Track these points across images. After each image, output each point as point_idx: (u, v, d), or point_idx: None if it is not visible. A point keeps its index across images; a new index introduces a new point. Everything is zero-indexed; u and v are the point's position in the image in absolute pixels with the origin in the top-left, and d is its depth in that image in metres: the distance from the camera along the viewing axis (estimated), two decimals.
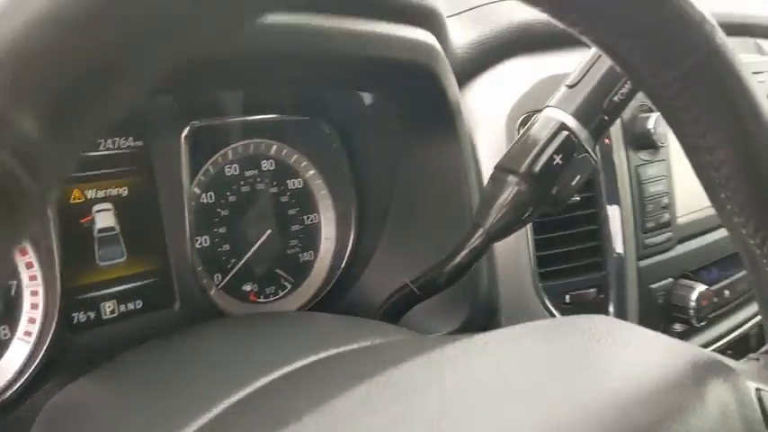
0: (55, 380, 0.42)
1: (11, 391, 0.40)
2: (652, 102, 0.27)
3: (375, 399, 0.23)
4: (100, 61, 0.13)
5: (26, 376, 0.40)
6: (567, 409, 0.22)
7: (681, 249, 0.58)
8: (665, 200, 0.56)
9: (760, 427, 0.26)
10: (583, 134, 0.39)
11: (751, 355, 0.31)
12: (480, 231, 0.40)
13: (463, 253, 0.41)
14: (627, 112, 0.53)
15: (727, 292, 0.63)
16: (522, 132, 0.41)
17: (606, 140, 0.52)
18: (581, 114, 0.39)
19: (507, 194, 0.39)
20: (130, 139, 0.46)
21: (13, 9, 0.12)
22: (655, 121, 0.53)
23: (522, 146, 0.40)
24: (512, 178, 0.39)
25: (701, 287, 0.57)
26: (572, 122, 0.39)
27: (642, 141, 0.54)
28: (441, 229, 0.48)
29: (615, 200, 0.54)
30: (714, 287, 0.60)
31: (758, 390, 0.27)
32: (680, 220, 0.58)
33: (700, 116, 0.26)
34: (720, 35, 0.25)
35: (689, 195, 0.59)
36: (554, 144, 0.38)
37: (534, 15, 0.51)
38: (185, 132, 0.46)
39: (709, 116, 0.26)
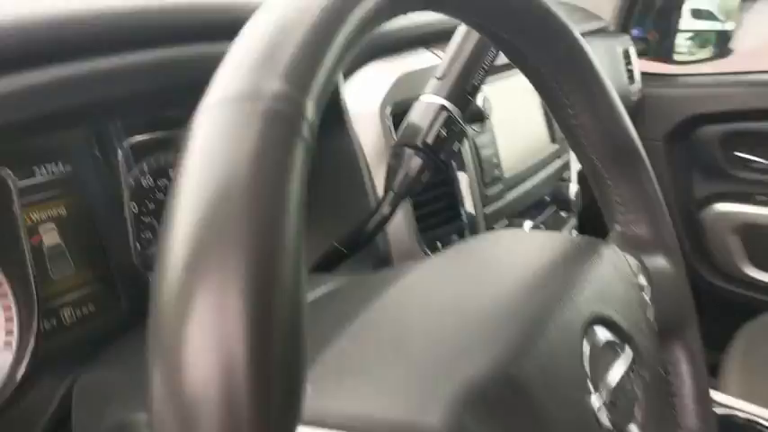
0: (40, 382, 0.46)
1: (3, 398, 0.44)
2: (528, 76, 0.41)
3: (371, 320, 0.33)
4: None
5: (17, 380, 0.44)
6: (487, 297, 0.33)
7: (510, 196, 0.75)
8: (495, 160, 0.72)
9: (634, 279, 0.41)
10: (456, 111, 0.52)
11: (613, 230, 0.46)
12: (391, 193, 0.51)
13: (383, 210, 0.52)
14: None
15: (542, 226, 0.81)
16: (409, 116, 0.53)
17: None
18: (453, 97, 0.51)
19: (409, 163, 0.51)
20: (60, 164, 0.50)
21: None
22: (483, 99, 0.68)
23: (413, 126, 0.51)
24: (410, 151, 0.51)
25: (528, 222, 0.74)
26: (448, 104, 0.51)
27: (474, 116, 0.68)
28: (349, 205, 0.58)
29: (462, 165, 0.68)
30: (535, 221, 0.78)
31: (625, 255, 0.42)
32: (506, 174, 0.74)
33: (564, 84, 0.40)
34: (573, 27, 0.39)
35: (510, 155, 0.75)
36: (439, 121, 0.51)
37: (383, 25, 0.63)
38: (119, 152, 0.52)
39: (571, 84, 0.40)
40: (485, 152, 0.70)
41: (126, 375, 0.41)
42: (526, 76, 0.41)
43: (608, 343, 0.33)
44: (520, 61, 0.40)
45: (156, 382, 0.17)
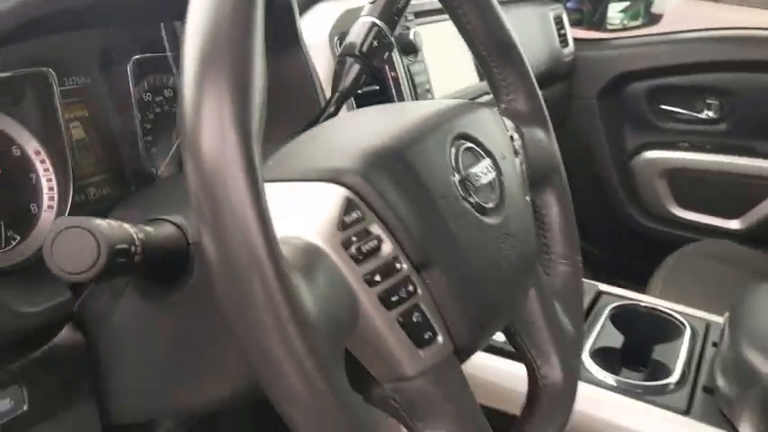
0: None
1: None
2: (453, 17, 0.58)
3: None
4: None
5: None
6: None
7: None
8: (427, 85, 0.88)
9: (507, 131, 0.58)
10: (385, 27, 0.68)
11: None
12: (337, 94, 0.68)
13: (330, 109, 0.68)
14: (397, 31, 0.84)
15: None
16: (349, 33, 0.69)
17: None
18: (382, 16, 0.67)
19: (350, 69, 0.67)
20: (82, 77, 0.65)
21: None
22: (414, 33, 0.84)
23: (351, 41, 0.67)
24: (350, 59, 0.67)
25: None
26: (378, 21, 0.67)
27: (408, 49, 0.85)
28: (305, 112, 0.74)
29: (399, 89, 0.84)
30: None
31: (503, 118, 0.59)
32: (437, 96, 0.90)
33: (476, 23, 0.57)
34: None
35: (440, 85, 0.91)
36: (371, 34, 0.67)
37: None
38: (129, 65, 0.67)
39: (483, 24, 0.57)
40: (418, 78, 0.86)
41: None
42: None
43: (469, 149, 0.49)
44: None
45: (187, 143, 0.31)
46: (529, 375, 0.58)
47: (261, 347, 0.31)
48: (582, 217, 1.80)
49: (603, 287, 1.11)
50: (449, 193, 0.46)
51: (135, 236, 0.41)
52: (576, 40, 1.74)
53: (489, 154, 0.52)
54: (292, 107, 0.74)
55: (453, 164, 0.47)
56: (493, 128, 0.55)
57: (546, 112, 0.64)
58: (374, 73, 0.68)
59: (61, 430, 0.52)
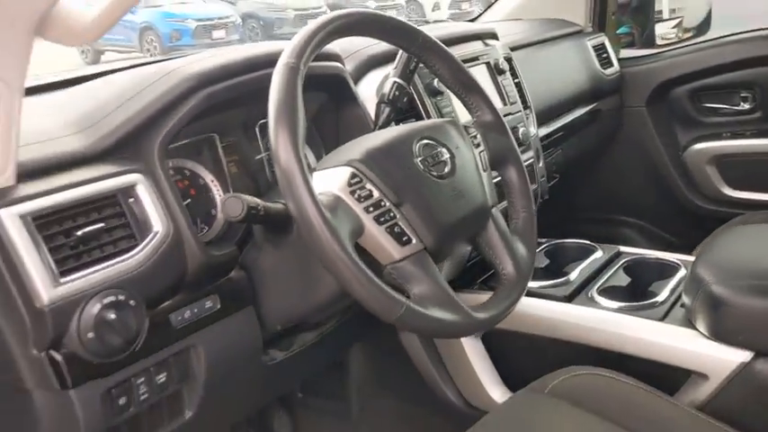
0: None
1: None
2: (431, 71, 1.01)
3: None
4: None
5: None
6: None
7: None
8: (453, 115, 1.29)
9: (466, 131, 0.98)
10: (403, 82, 1.10)
11: None
12: (377, 127, 1.10)
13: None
14: (428, 80, 1.25)
15: None
16: (378, 92, 1.12)
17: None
18: (402, 76, 1.10)
19: (383, 110, 1.10)
20: (233, 137, 1.12)
21: None
22: (437, 81, 1.25)
23: (382, 92, 1.10)
24: (383, 105, 1.10)
25: None
26: (399, 80, 1.10)
27: (434, 92, 1.26)
28: None
29: (429, 117, 1.26)
30: None
31: (467, 126, 0.99)
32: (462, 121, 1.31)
33: (426, 56, 0.99)
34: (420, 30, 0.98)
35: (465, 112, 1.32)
36: (394, 88, 1.09)
37: (379, 49, 1.23)
38: (257, 127, 1.14)
39: (430, 55, 0.99)
40: (445, 110, 1.27)
41: None
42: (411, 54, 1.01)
43: (427, 144, 0.90)
44: (407, 50, 1.00)
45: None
46: (496, 275, 0.97)
47: (323, 254, 0.74)
48: (646, 204, 2.18)
49: (624, 249, 1.44)
50: (412, 166, 0.87)
51: (259, 203, 0.85)
52: (621, 59, 2.07)
53: (443, 145, 0.93)
54: (356, 135, 1.17)
55: (415, 151, 0.89)
56: (449, 131, 0.96)
57: (502, 119, 1.04)
58: (401, 111, 1.11)
59: (236, 322, 0.97)
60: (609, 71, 1.98)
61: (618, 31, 2.21)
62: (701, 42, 1.99)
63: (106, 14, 0.76)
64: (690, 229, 1.94)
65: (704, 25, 2.22)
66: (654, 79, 2.02)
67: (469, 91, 1.03)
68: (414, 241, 0.84)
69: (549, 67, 1.78)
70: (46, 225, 0.76)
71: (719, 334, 1.08)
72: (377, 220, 0.82)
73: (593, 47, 1.97)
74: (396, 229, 0.83)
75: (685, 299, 1.16)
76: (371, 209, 0.82)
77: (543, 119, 1.65)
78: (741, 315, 1.06)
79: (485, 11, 2.15)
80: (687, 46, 2.02)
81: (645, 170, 2.05)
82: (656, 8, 2.19)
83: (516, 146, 1.05)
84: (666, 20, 2.23)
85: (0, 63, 0.72)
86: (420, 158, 0.89)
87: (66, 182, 0.80)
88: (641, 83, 2.04)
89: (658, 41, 2.17)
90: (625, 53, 2.13)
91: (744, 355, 1.06)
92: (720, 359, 1.08)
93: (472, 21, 2.17)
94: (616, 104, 2.05)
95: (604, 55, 2.00)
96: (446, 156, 0.92)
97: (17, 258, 0.73)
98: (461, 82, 1.02)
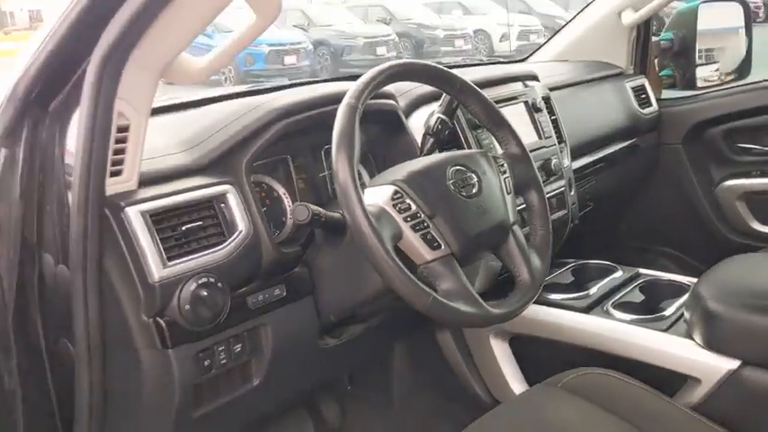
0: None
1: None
2: (466, 110, 1.22)
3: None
4: None
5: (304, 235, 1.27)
6: None
7: None
8: (491, 145, 1.49)
9: (494, 161, 1.19)
10: (446, 117, 1.31)
11: None
12: (421, 153, 1.32)
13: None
14: (469, 116, 1.46)
15: None
16: (425, 125, 1.33)
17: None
18: (445, 112, 1.31)
19: (427, 141, 1.31)
20: (301, 158, 1.35)
21: None
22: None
23: (427, 125, 1.32)
24: (428, 136, 1.31)
25: None
26: (442, 115, 1.31)
27: (475, 126, 1.47)
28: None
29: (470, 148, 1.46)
30: None
31: (495, 156, 1.20)
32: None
33: (463, 97, 1.21)
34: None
35: None
36: (438, 122, 1.30)
37: (427, 89, 1.45)
38: (323, 151, 1.37)
39: (467, 96, 1.21)
40: (483, 142, 1.48)
41: None
42: (451, 95, 1.22)
43: (458, 170, 1.11)
44: (448, 93, 1.22)
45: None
46: (514, 280, 1.16)
47: (369, 254, 0.95)
48: (679, 234, 2.35)
49: (642, 270, 1.61)
50: (445, 187, 1.08)
51: (321, 211, 1.08)
52: (661, 99, 2.23)
53: (473, 171, 1.13)
54: (404, 160, 1.38)
55: (448, 175, 1.10)
56: (479, 159, 1.16)
57: (527, 152, 1.23)
58: (445, 142, 1.32)
59: (298, 309, 1.19)
60: (647, 110, 2.15)
61: (661, 74, 2.37)
62: (735, 86, 2.14)
63: (215, 61, 1.01)
64: (719, 260, 2.08)
65: (745, 69, 2.36)
66: (690, 119, 2.17)
67: (499, 127, 1.23)
68: (443, 247, 1.05)
69: (587, 105, 1.97)
70: (159, 221, 1.00)
71: (712, 344, 1.25)
72: (413, 228, 1.03)
73: (633, 88, 2.13)
74: (428, 236, 1.04)
75: (686, 313, 1.32)
76: (409, 219, 1.03)
77: (578, 152, 1.83)
78: (731, 328, 1.22)
79: (534, 52, 2.34)
80: (723, 89, 2.17)
81: (679, 203, 2.20)
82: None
83: (538, 175, 1.25)
84: (705, 64, 2.37)
85: (134, 96, 0.96)
86: (452, 181, 1.10)
87: (175, 189, 1.04)
88: (678, 122, 2.19)
89: (701, 83, 2.31)
90: (667, 94, 2.29)
91: (732, 363, 1.22)
92: (712, 366, 1.24)
93: (523, 60, 2.37)
94: (654, 141, 2.20)
95: (643, 95, 2.16)
96: (474, 180, 1.12)
97: (137, 245, 0.97)
98: (492, 119, 1.23)
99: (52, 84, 0.96)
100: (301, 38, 11.67)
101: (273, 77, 10.32)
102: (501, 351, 1.49)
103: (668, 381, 1.28)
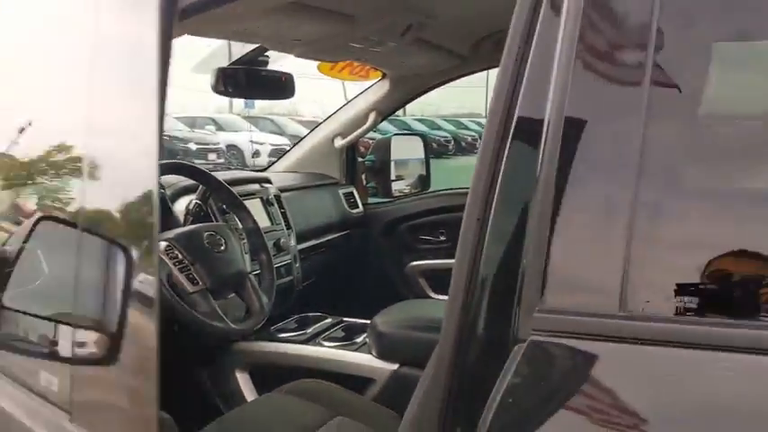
0: None
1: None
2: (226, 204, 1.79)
3: None
4: None
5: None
6: None
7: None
8: (232, 224, 2.05)
9: None
10: (201, 202, 1.86)
11: None
12: None
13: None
14: (219, 203, 2.02)
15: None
16: (186, 208, 1.87)
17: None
18: (200, 198, 1.86)
19: (188, 220, 1.85)
20: None
21: None
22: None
23: (187, 209, 1.86)
24: (188, 216, 1.85)
25: None
26: (199, 201, 1.86)
27: (223, 211, 2.03)
28: None
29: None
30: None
31: None
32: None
33: (225, 201, 1.78)
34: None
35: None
36: (194, 207, 1.85)
37: (190, 183, 1.99)
38: None
39: (227, 200, 1.77)
40: (230, 222, 2.04)
41: None
42: (206, 188, 1.78)
43: (211, 234, 1.67)
44: (205, 186, 1.78)
45: None
46: (249, 309, 1.71)
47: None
48: (380, 300, 2.97)
49: (346, 318, 2.25)
50: (202, 244, 1.63)
51: None
52: (365, 204, 3.00)
53: (222, 235, 1.69)
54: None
55: (204, 237, 1.65)
56: (224, 229, 1.73)
57: (258, 229, 1.82)
58: (201, 219, 1.87)
59: None
60: (355, 211, 2.88)
61: (368, 185, 3.15)
62: (418, 196, 2.98)
63: None
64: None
65: (426, 184, 3.23)
66: (387, 218, 2.95)
67: (240, 210, 1.82)
68: (200, 283, 1.57)
69: (310, 204, 2.64)
70: None
71: (382, 354, 1.89)
72: (180, 270, 1.55)
73: (344, 194, 2.87)
74: (190, 276, 1.56)
75: (367, 338, 1.97)
76: (177, 264, 1.55)
77: (303, 237, 2.47)
78: (392, 341, 1.88)
79: (274, 162, 3.01)
80: (410, 198, 2.99)
81: (380, 277, 2.93)
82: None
83: (267, 244, 1.85)
84: (397, 180, 3.20)
85: None
86: (207, 241, 1.64)
87: None
88: (379, 220, 2.96)
89: (396, 193, 3.11)
90: (373, 200, 3.07)
91: (394, 366, 1.87)
92: (382, 369, 1.88)
93: (264, 170, 3.01)
94: (363, 233, 2.94)
95: (352, 200, 2.90)
96: (223, 241, 1.68)
97: None
98: (235, 204, 1.81)
99: None
100: None
101: None
102: (243, 380, 2.01)
103: (358, 383, 1.89)
